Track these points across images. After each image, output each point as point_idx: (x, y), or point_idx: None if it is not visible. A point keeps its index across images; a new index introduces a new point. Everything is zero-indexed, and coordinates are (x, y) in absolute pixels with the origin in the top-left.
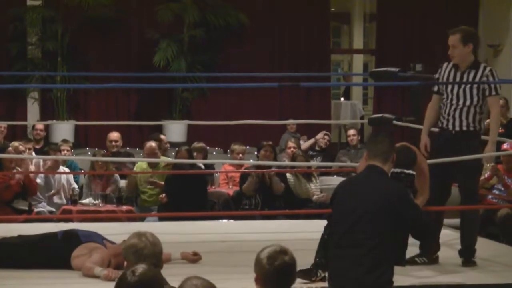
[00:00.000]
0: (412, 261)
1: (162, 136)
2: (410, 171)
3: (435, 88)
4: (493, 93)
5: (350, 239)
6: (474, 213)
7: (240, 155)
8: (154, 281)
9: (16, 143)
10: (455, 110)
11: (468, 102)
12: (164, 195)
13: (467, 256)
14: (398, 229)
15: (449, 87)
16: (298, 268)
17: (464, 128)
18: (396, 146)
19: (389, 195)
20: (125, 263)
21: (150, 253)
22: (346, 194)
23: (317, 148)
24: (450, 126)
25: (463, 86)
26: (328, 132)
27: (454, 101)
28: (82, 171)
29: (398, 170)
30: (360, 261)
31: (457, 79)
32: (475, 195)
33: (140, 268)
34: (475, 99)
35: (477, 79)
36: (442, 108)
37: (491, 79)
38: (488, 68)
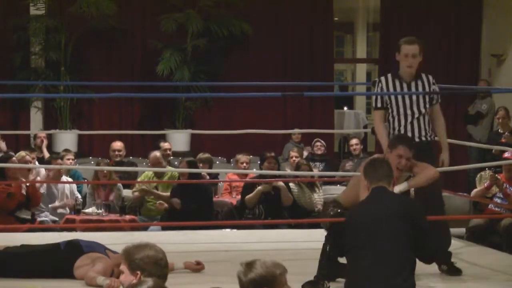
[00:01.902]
0: None
1: (163, 144)
2: None
3: (379, 104)
4: (440, 100)
5: (369, 250)
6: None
7: (245, 165)
8: None
9: (23, 153)
10: (412, 122)
11: (422, 112)
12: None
13: (446, 262)
14: (414, 238)
15: (400, 99)
16: (303, 281)
17: (423, 138)
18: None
19: (404, 205)
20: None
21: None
22: (358, 214)
23: (315, 157)
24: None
25: (414, 96)
26: (330, 140)
27: (409, 112)
28: (85, 180)
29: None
30: (382, 269)
31: (405, 90)
32: (440, 201)
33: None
34: (427, 106)
35: (426, 88)
36: (392, 121)
37: (434, 87)
38: (430, 76)
